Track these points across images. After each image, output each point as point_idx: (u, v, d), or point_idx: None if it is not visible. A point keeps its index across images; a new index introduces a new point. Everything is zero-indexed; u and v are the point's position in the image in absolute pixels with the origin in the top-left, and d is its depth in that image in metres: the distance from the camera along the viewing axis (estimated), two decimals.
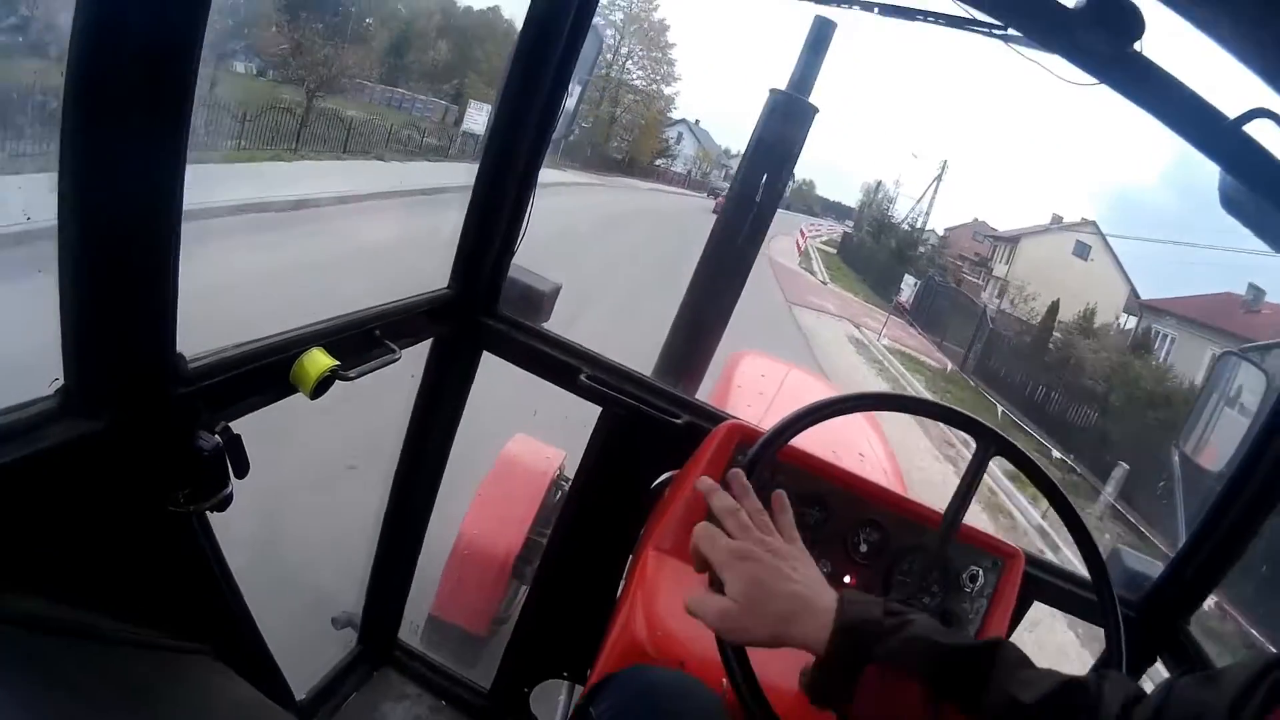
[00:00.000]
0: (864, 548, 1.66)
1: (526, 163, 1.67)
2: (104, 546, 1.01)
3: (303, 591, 2.57)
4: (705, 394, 2.83)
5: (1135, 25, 1.28)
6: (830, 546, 1.65)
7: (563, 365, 1.82)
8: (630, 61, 45.77)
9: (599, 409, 1.86)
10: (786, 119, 2.52)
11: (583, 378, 1.80)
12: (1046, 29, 1.38)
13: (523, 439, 2.86)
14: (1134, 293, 34.11)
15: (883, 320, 23.06)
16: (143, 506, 1.06)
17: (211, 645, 1.21)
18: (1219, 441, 1.72)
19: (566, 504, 2.01)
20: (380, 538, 2.02)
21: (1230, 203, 1.42)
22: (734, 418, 1.74)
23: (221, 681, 1.16)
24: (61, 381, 0.92)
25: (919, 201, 48.72)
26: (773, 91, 2.54)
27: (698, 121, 62.69)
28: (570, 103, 1.72)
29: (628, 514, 1.81)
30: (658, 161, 54.59)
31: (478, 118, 24.06)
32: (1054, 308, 27.11)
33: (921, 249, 42.52)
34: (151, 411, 1.01)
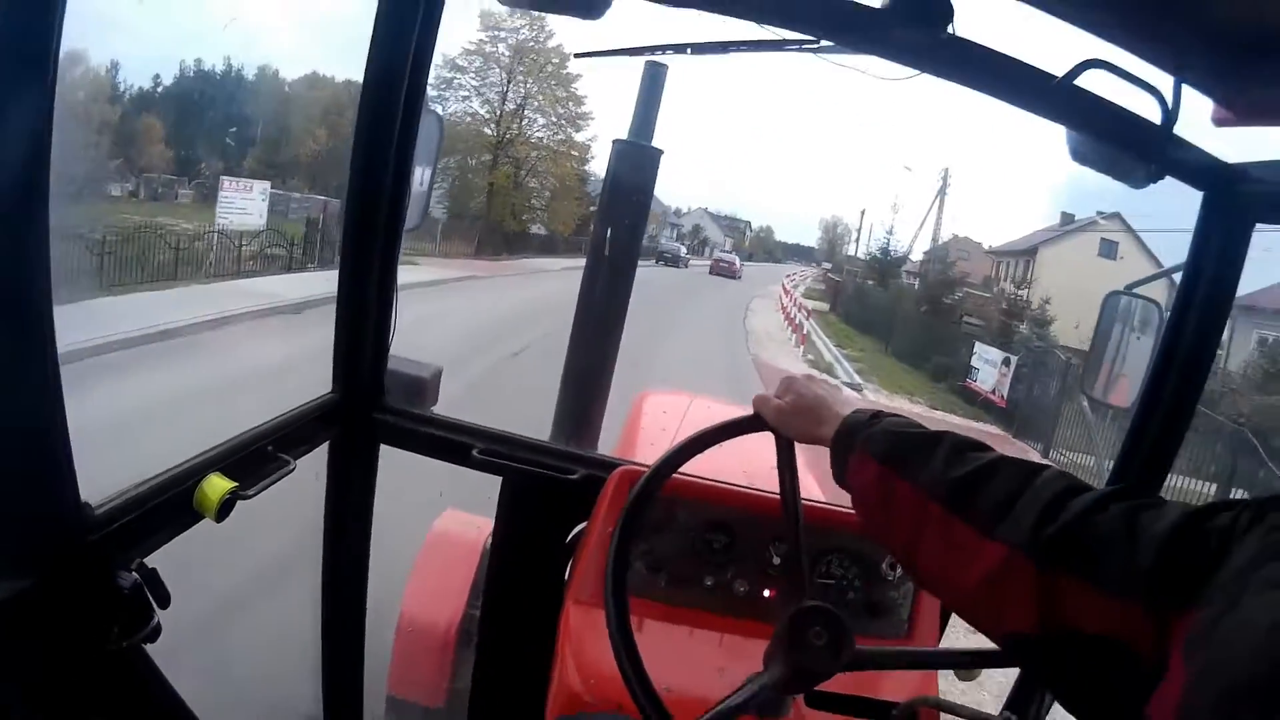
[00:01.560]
0: (776, 560, 1.71)
1: (384, 254, 1.72)
2: (51, 697, 1.05)
3: (260, 705, 2.57)
4: (614, 438, 2.93)
5: (944, 11, 1.31)
6: (742, 566, 1.71)
7: (455, 444, 1.87)
8: (530, 109, 34.24)
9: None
10: (632, 166, 2.61)
11: (475, 453, 1.85)
12: (859, 34, 1.41)
13: (451, 513, 2.89)
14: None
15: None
16: (79, 652, 1.10)
17: None
18: (1121, 379, 1.76)
19: (488, 572, 2.08)
20: (323, 638, 2.04)
21: (1080, 156, 1.50)
22: (628, 463, 1.82)
23: None
24: None
25: (922, 225, 40.81)
26: (616, 142, 2.63)
27: None
28: (419, 190, 1.78)
29: (550, 570, 1.88)
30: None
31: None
32: None
33: (958, 294, 31.29)
34: (70, 563, 1.06)
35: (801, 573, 1.31)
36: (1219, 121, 1.36)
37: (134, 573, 1.15)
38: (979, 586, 0.92)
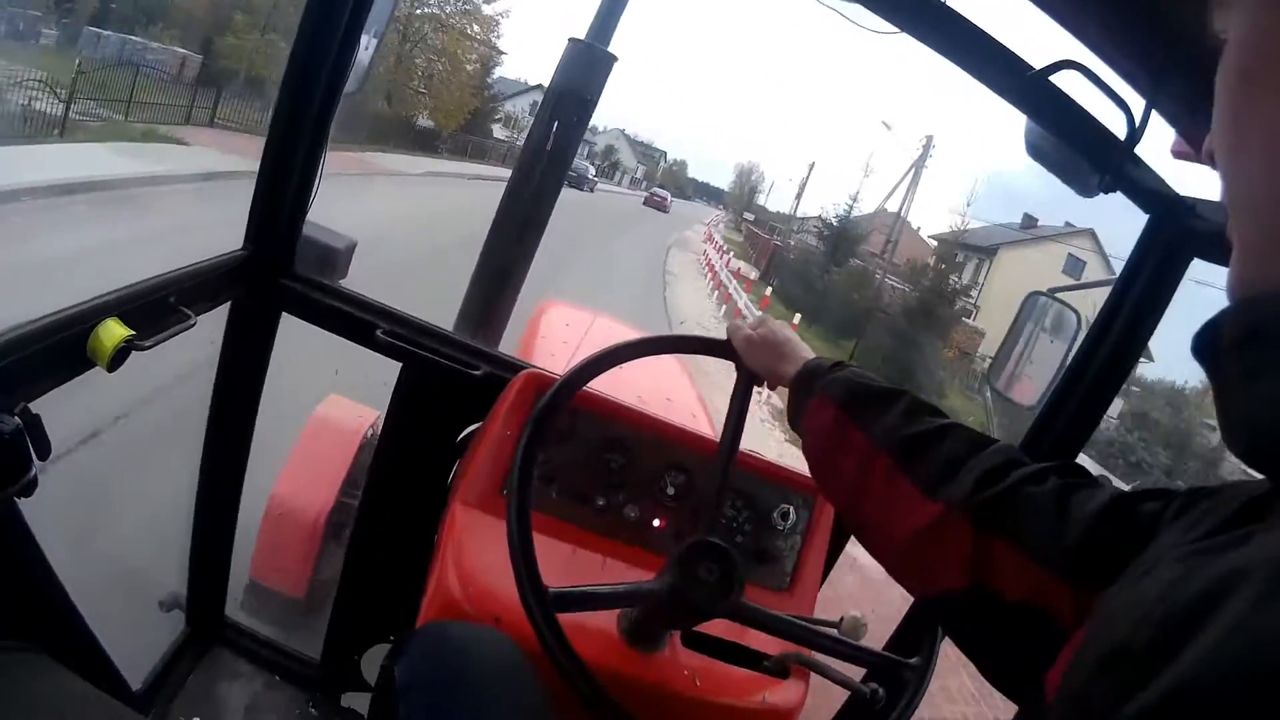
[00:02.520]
0: (671, 490, 1.70)
1: (318, 118, 1.63)
2: None
3: (127, 577, 2.44)
4: (511, 345, 2.88)
5: None
6: (636, 491, 1.69)
7: (360, 322, 1.80)
8: None
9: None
10: (585, 68, 2.56)
11: (379, 333, 1.78)
12: None
13: (335, 399, 2.81)
14: None
15: None
16: None
17: (37, 640, 1.16)
18: (1029, 378, 1.80)
19: (373, 462, 2.01)
20: (195, 513, 1.95)
21: (1035, 150, 1.51)
22: (534, 367, 1.77)
23: (52, 678, 1.12)
24: None
25: (893, 191, 33.95)
26: (571, 40, 2.56)
27: None
28: (364, 56, 1.68)
29: (436, 469, 1.83)
30: (497, 132, 40.15)
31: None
32: None
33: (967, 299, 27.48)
34: None
35: (714, 510, 1.33)
36: (1178, 154, 1.38)
37: (15, 417, 1.05)
38: (913, 540, 0.94)
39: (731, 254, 30.16)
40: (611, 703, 1.15)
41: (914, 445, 1.00)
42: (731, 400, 1.36)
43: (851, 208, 31.14)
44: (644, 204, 50.58)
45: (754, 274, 29.20)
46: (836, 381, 1.13)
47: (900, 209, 33.90)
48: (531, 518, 1.23)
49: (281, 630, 2.36)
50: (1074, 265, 30.40)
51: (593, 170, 42.33)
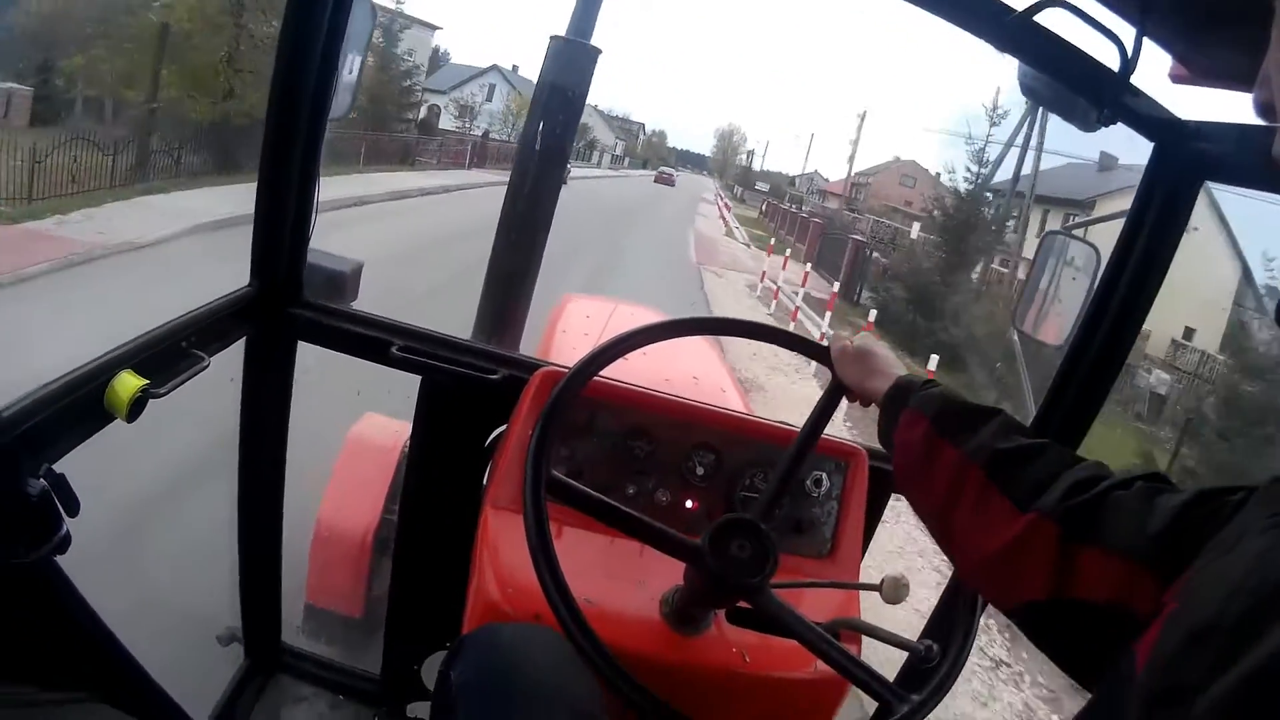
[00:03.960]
0: (700, 470, 1.70)
1: (307, 146, 1.63)
2: None
3: (181, 617, 2.51)
4: (535, 342, 2.89)
5: None
6: (665, 476, 1.70)
7: (374, 341, 1.81)
8: None
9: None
10: (569, 64, 2.54)
11: (394, 350, 1.79)
12: None
13: (371, 417, 2.85)
14: None
15: None
16: None
17: (96, 690, 1.20)
18: (1054, 317, 1.79)
19: (406, 476, 2.03)
20: (240, 545, 1.99)
21: (1031, 91, 1.51)
22: (550, 364, 1.77)
23: None
24: None
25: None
26: (553, 38, 2.54)
27: (516, 68, 46.17)
28: (349, 77, 1.69)
29: (468, 475, 1.84)
30: (446, 122, 35.77)
31: None
32: None
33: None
34: None
35: (770, 501, 1.37)
36: (1176, 78, 1.37)
37: (41, 479, 1.07)
38: (1002, 552, 0.95)
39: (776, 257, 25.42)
40: (642, 688, 1.16)
41: (1008, 461, 1.01)
42: (817, 403, 1.39)
43: (981, 172, 21.08)
44: (654, 181, 51.08)
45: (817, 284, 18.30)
46: (930, 398, 1.15)
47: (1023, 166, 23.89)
48: (562, 513, 1.24)
49: (345, 649, 2.42)
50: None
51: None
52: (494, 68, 45.46)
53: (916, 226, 26.69)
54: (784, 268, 17.11)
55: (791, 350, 1.49)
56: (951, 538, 1.06)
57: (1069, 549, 0.88)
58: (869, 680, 1.24)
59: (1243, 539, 0.59)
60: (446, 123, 38.10)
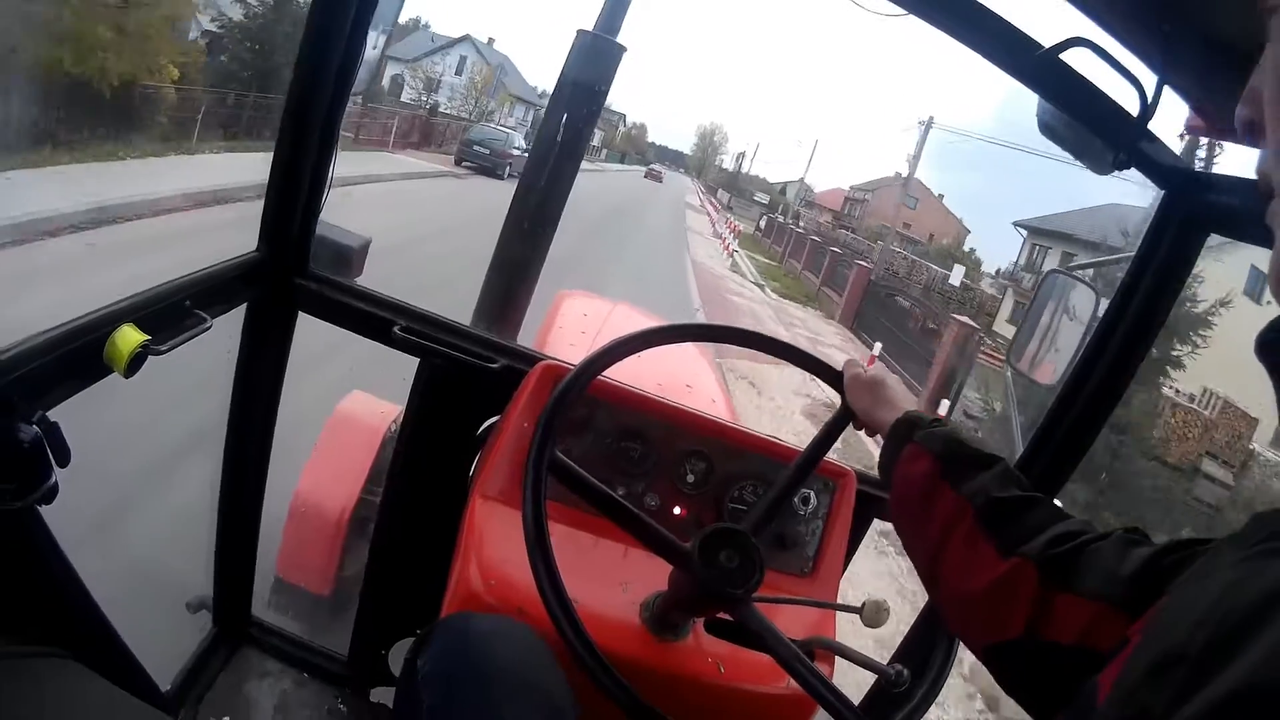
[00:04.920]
0: (691, 478, 1.71)
1: (327, 117, 1.63)
2: None
3: (153, 580, 2.49)
4: (530, 336, 2.88)
5: None
6: (656, 480, 1.70)
7: (377, 319, 1.80)
8: None
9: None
10: (594, 60, 2.54)
11: (397, 330, 1.78)
12: None
13: (358, 395, 2.83)
14: None
15: None
16: None
17: (65, 646, 1.18)
18: (1050, 357, 1.80)
19: (394, 458, 2.02)
20: (218, 514, 1.97)
21: (1048, 129, 1.50)
22: (550, 358, 1.77)
23: (82, 683, 1.14)
24: None
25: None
26: (580, 33, 2.54)
27: (492, 41, 44.26)
28: (372, 53, 1.68)
29: (456, 463, 1.84)
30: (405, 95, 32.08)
31: None
32: None
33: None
34: None
35: (764, 513, 1.37)
36: (1191, 129, 1.38)
37: (35, 426, 1.06)
38: (983, 592, 0.97)
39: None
40: (628, 689, 1.15)
41: (1003, 509, 1.03)
42: (824, 426, 1.41)
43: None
44: (644, 177, 50.60)
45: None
46: (936, 436, 1.16)
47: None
48: (551, 509, 1.24)
49: (309, 627, 2.39)
50: (1257, 280, 16.92)
51: (520, 140, 26.14)
52: (466, 38, 42.52)
53: (959, 272, 26.02)
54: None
55: (804, 370, 1.49)
56: (936, 575, 1.08)
57: (1046, 594, 0.91)
58: (837, 705, 1.23)
59: (1211, 573, 0.60)
60: (410, 97, 34.62)
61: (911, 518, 1.14)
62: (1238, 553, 0.59)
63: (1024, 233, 28.27)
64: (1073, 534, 0.95)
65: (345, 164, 1.74)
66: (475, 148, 24.73)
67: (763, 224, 41.75)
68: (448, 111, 33.79)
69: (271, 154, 1.64)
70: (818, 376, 1.45)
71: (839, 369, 1.42)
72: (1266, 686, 0.42)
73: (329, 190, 1.73)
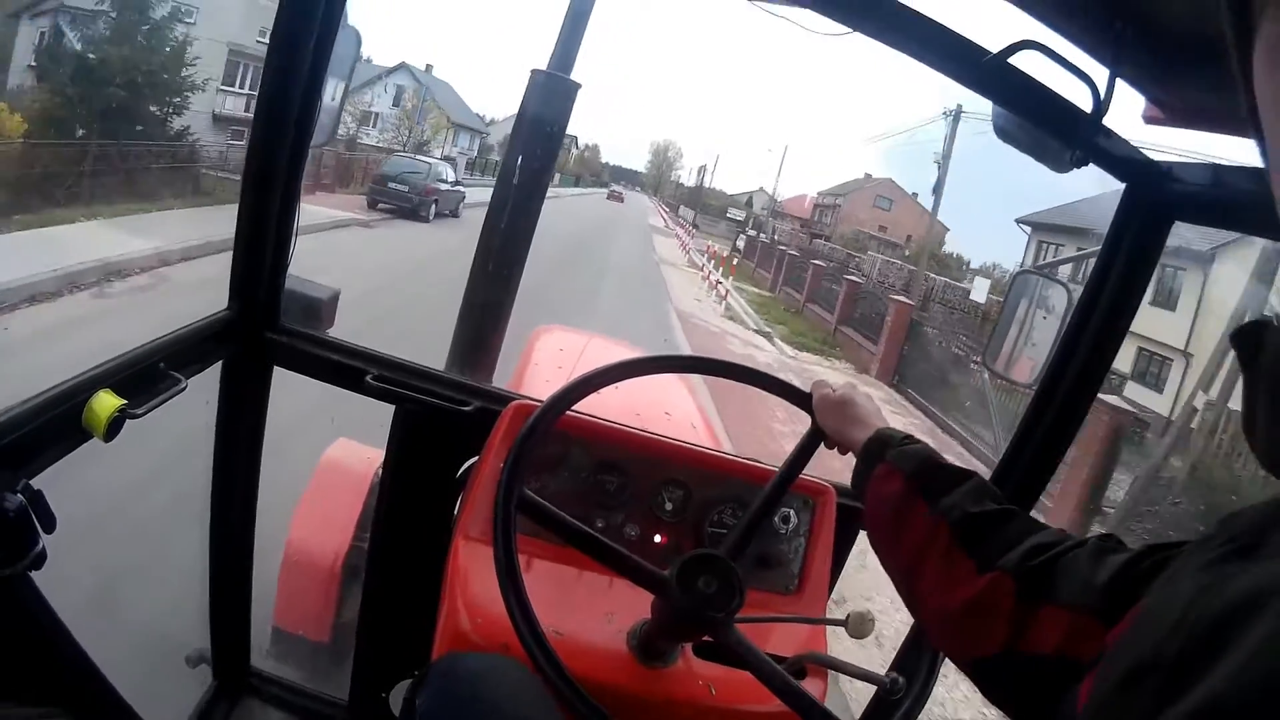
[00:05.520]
0: (669, 506, 1.72)
1: (289, 171, 1.65)
2: None
3: (153, 637, 2.50)
4: (505, 375, 2.88)
5: None
6: (634, 510, 1.71)
7: (349, 369, 1.82)
8: None
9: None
10: (549, 99, 2.57)
11: (370, 379, 1.80)
12: None
13: (344, 443, 2.84)
14: None
15: None
16: None
17: (66, 708, 1.19)
18: (1025, 356, 1.81)
19: (378, 504, 2.03)
20: (210, 567, 1.98)
21: (1004, 133, 1.53)
22: (523, 397, 1.79)
23: None
24: None
25: None
26: (534, 72, 2.57)
27: (430, 68, 41.79)
28: (331, 104, 1.70)
29: (439, 505, 1.85)
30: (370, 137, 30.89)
31: None
32: None
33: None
34: None
35: (741, 535, 1.38)
36: (1149, 119, 1.41)
37: (19, 495, 1.09)
38: (962, 609, 0.97)
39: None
40: (604, 713, 1.16)
41: (978, 525, 1.02)
42: (795, 447, 1.41)
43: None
44: (607, 199, 49.55)
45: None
46: (908, 455, 1.16)
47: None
48: (532, 545, 1.23)
49: (310, 674, 2.40)
50: None
51: (447, 172, 22.39)
52: (402, 66, 39.26)
53: (985, 286, 23.01)
54: None
55: (773, 394, 1.49)
56: (915, 592, 1.07)
57: (1024, 606, 0.90)
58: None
59: (1179, 579, 0.60)
60: (343, 134, 28.48)
61: (887, 537, 1.13)
62: (1204, 555, 0.60)
63: (1028, 230, 27.36)
64: (1048, 545, 0.95)
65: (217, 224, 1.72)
66: (391, 185, 20.45)
67: (740, 243, 37.67)
68: (370, 143, 31.02)
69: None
70: (786, 399, 1.46)
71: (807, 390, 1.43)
72: (1238, 698, 0.44)
73: (295, 243, 1.75)
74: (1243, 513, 0.64)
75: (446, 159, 29.16)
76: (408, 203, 20.05)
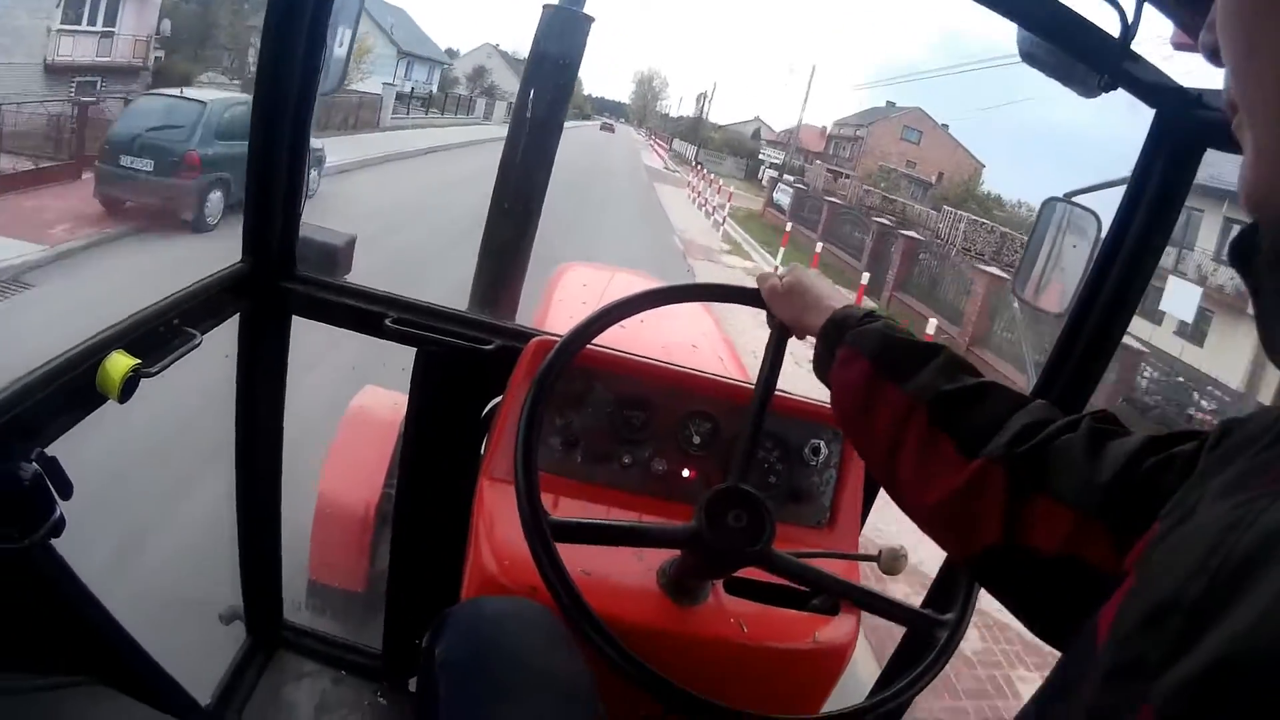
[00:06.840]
0: (697, 439, 1.68)
1: (295, 120, 1.61)
2: None
3: (184, 598, 2.53)
4: (529, 314, 2.87)
5: None
6: (661, 444, 1.68)
7: (368, 314, 1.80)
8: None
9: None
10: (562, 34, 2.49)
11: (388, 322, 1.78)
12: None
13: (371, 390, 2.85)
14: None
15: None
16: None
17: (96, 673, 1.19)
18: (1055, 284, 1.75)
19: (403, 450, 2.02)
20: (239, 523, 1.99)
21: (1029, 56, 1.46)
22: (544, 333, 1.76)
23: (116, 708, 1.16)
24: None
25: None
26: (546, 7, 2.49)
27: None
28: (339, 51, 1.66)
29: (465, 447, 1.83)
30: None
31: None
32: None
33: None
34: None
35: (744, 459, 1.32)
36: (1178, 46, 1.34)
37: (33, 463, 1.07)
38: (951, 500, 0.92)
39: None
40: (633, 658, 1.16)
41: (954, 403, 0.96)
42: (765, 354, 1.34)
43: None
44: (600, 130, 49.61)
45: None
46: (868, 334, 1.08)
47: None
48: (560, 484, 1.21)
49: (345, 625, 2.44)
50: None
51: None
52: None
53: (1194, 297, 14.56)
54: None
55: (726, 302, 1.41)
56: (898, 484, 1.02)
57: (1018, 496, 0.86)
58: (896, 610, 1.26)
59: (1199, 506, 0.57)
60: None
61: (858, 425, 1.07)
62: (1223, 481, 0.57)
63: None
64: (1038, 425, 0.90)
65: None
66: (125, 160, 10.69)
67: (779, 196, 28.25)
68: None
69: None
70: (738, 302, 1.37)
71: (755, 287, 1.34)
72: (1263, 645, 0.41)
73: (306, 191, 1.72)
74: (1253, 418, 0.62)
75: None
76: (153, 194, 10.61)
